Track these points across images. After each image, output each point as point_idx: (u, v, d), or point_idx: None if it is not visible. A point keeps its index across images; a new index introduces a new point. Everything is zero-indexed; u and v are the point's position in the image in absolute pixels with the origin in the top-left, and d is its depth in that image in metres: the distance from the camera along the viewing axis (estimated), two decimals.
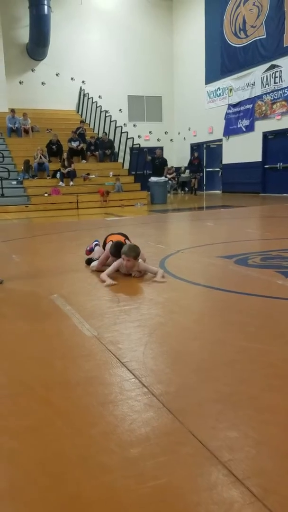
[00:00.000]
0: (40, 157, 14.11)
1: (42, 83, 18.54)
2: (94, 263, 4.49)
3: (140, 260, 4.04)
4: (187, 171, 19.98)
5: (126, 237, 4.45)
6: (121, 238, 4.40)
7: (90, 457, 1.53)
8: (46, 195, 13.08)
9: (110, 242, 4.31)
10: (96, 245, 4.84)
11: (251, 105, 15.94)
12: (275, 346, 2.45)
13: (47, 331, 2.87)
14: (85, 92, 18.35)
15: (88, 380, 2.12)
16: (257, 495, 1.29)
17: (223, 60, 17.35)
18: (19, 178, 13.61)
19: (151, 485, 1.37)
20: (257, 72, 15.50)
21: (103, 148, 15.84)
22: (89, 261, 4.64)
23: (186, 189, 19.86)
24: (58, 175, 13.95)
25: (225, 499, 1.29)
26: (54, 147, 14.82)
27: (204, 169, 19.13)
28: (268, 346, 2.45)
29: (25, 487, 1.41)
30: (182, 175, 19.88)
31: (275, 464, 1.45)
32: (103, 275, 3.95)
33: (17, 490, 1.40)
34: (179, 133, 21.02)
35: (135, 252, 3.92)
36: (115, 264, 4.00)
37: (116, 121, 16.45)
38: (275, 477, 1.38)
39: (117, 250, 4.09)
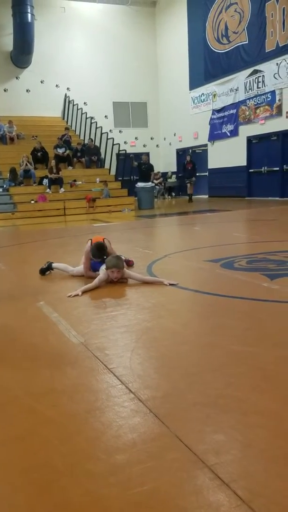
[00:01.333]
0: (26, 164, 14.05)
1: (27, 91, 18.51)
2: (76, 269, 4.45)
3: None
4: (174, 176, 20.07)
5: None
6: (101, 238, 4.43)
7: (76, 464, 1.52)
8: (32, 202, 13.02)
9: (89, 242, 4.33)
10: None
11: (235, 110, 16.11)
12: (262, 349, 2.46)
13: (33, 339, 2.85)
14: (70, 99, 18.37)
15: (74, 388, 2.11)
16: (243, 498, 1.29)
17: (207, 66, 17.52)
18: (5, 186, 13.54)
19: (137, 491, 1.36)
20: (240, 77, 15.68)
21: (89, 155, 15.85)
22: (43, 271, 4.56)
23: (173, 194, 19.95)
24: (44, 182, 13.91)
25: (211, 503, 1.29)
26: (39, 154, 14.79)
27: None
28: (255, 349, 2.46)
29: (11, 496, 1.39)
30: (169, 180, 19.97)
31: (261, 466, 1.45)
32: (82, 289, 3.84)
33: (3, 500, 1.38)
34: (164, 139, 21.12)
35: (122, 263, 3.99)
36: (96, 281, 3.94)
37: (101, 127, 16.48)
38: (261, 480, 1.38)
39: (99, 251, 4.12)
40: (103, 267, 4.10)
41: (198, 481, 1.38)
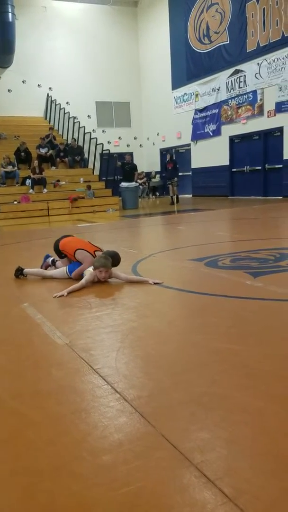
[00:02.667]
0: (8, 165, 13.89)
1: (9, 90, 18.34)
2: (55, 272, 4.43)
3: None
4: (157, 175, 20.09)
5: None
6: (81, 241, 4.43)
7: (62, 466, 1.51)
8: (15, 202, 12.89)
9: (81, 251, 4.25)
10: (52, 260, 4.72)
11: (217, 110, 16.20)
12: (246, 346, 2.48)
13: (18, 341, 2.83)
14: (52, 99, 18.25)
15: (60, 389, 2.10)
16: (228, 495, 1.30)
17: (189, 65, 17.59)
18: None
19: (124, 492, 1.36)
20: (222, 77, 15.78)
21: (72, 155, 15.75)
22: (18, 273, 4.50)
23: (157, 193, 19.98)
24: (27, 182, 13.78)
25: (197, 501, 1.30)
26: (22, 154, 14.65)
27: None
28: (239, 346, 2.48)
29: None
30: (153, 179, 19.99)
31: (246, 463, 1.46)
32: (68, 290, 3.81)
33: None
34: (148, 139, 21.14)
35: (110, 263, 3.99)
36: (83, 282, 3.93)
37: (84, 127, 16.41)
38: (246, 477, 1.39)
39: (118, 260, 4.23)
40: (89, 267, 4.09)
41: (184, 479, 1.39)
